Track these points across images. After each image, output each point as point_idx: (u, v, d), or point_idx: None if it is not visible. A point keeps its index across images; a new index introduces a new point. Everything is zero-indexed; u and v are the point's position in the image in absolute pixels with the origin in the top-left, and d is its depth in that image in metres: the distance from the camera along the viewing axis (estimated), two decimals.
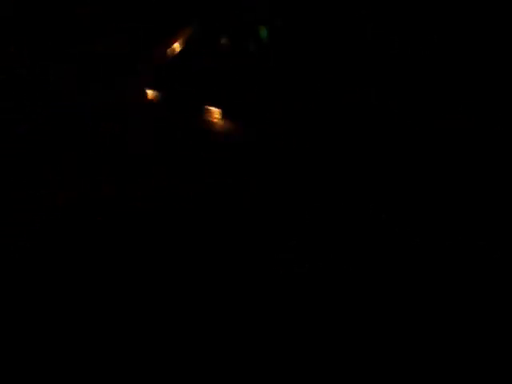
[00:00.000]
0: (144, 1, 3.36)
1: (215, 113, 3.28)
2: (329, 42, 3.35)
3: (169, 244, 3.06)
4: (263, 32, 2.97)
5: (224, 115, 3.28)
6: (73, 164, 3.27)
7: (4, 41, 3.32)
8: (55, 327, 2.84)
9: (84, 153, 3.28)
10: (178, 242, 3.07)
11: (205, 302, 2.92)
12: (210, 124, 3.28)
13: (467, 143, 3.19)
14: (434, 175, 3.15)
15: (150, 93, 3.23)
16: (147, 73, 3.28)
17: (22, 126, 3.29)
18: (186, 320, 2.87)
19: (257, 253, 3.03)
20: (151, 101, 3.25)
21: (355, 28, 3.33)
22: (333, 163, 3.19)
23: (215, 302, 2.92)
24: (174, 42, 3.26)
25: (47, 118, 3.30)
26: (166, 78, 3.27)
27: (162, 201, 3.16)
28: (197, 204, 3.15)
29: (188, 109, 3.29)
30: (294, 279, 2.95)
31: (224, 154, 3.23)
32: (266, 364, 2.68)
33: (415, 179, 3.14)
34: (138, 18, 3.36)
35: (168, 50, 3.23)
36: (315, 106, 3.30)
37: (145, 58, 3.28)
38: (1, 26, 3.30)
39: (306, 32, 3.37)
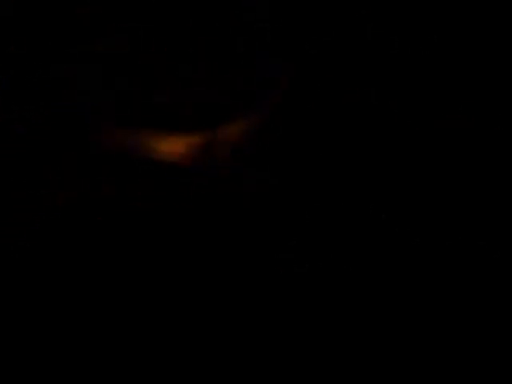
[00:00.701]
0: (144, 1, 3.36)
1: None
2: (328, 41, 3.36)
3: (168, 244, 3.06)
4: None
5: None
6: (73, 164, 3.27)
7: (4, 41, 3.32)
8: (55, 327, 2.85)
9: (84, 153, 3.28)
10: (178, 242, 3.07)
11: (204, 302, 2.93)
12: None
13: (467, 143, 3.19)
14: (434, 175, 3.15)
15: None
16: None
17: (22, 126, 3.29)
18: (185, 320, 2.87)
19: (256, 253, 3.03)
20: None
21: (355, 28, 3.34)
22: (332, 163, 3.19)
23: (214, 302, 2.92)
24: None
25: (47, 117, 3.30)
26: None
27: (162, 201, 3.17)
28: (196, 203, 3.15)
29: None
30: (294, 279, 2.95)
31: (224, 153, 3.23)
32: (266, 364, 2.69)
33: (415, 179, 3.14)
34: (138, 18, 3.36)
35: None
36: (314, 105, 3.31)
37: None
38: (1, 26, 3.31)
39: (305, 32, 3.37)
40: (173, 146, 3.26)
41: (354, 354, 2.72)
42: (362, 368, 2.69)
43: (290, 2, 3.36)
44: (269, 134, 3.27)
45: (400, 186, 3.14)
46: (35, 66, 3.31)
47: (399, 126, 3.24)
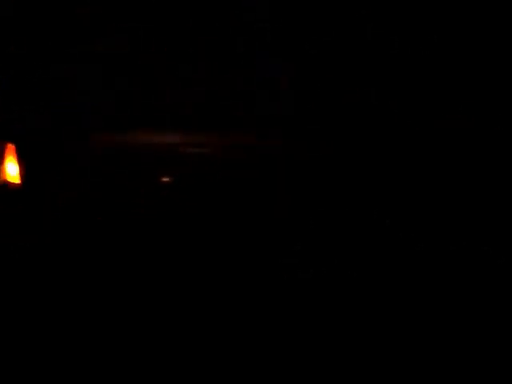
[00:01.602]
0: (144, 1, 3.35)
1: None
2: (329, 41, 3.35)
3: (171, 246, 3.06)
4: None
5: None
6: (73, 164, 3.26)
7: (4, 41, 3.31)
8: (56, 326, 2.83)
9: (84, 153, 3.28)
10: (179, 243, 3.06)
11: (209, 305, 2.92)
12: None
13: (467, 143, 3.19)
14: (437, 178, 3.15)
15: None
16: None
17: (22, 126, 3.28)
18: (187, 323, 2.86)
19: (261, 258, 3.02)
20: None
21: (355, 28, 3.33)
22: (335, 167, 3.19)
23: (220, 305, 2.91)
24: None
25: (47, 117, 3.30)
26: None
27: (163, 203, 3.16)
28: (200, 207, 3.14)
29: None
30: (298, 284, 2.95)
31: (227, 160, 3.22)
32: (270, 366, 2.68)
33: (418, 183, 3.14)
34: (138, 18, 3.35)
35: None
36: (315, 106, 3.30)
37: None
38: (1, 26, 3.30)
39: (305, 32, 3.36)
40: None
41: (356, 355, 2.71)
42: (362, 368, 2.68)
43: (290, 2, 3.36)
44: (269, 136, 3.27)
45: (403, 191, 3.14)
46: (35, 65, 3.30)
47: (399, 126, 3.24)
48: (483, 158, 3.18)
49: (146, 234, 3.11)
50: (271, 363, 2.68)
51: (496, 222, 3.06)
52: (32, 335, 2.80)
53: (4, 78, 3.29)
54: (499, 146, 3.18)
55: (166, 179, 3.26)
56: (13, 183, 3.20)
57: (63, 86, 3.32)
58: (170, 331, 2.83)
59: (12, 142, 3.21)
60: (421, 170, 3.18)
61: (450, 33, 3.33)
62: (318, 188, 3.17)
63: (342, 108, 3.29)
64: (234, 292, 2.97)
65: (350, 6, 3.34)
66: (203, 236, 3.10)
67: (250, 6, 3.35)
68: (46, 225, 3.12)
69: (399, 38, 3.34)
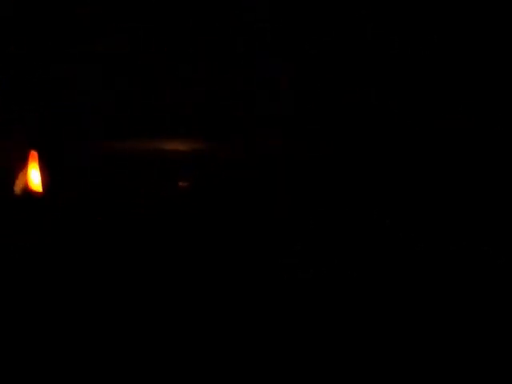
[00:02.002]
0: (144, 1, 3.35)
1: None
2: (329, 41, 3.35)
3: (171, 246, 3.06)
4: None
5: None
6: (73, 164, 3.27)
7: (4, 41, 3.32)
8: (56, 326, 2.84)
9: (84, 153, 3.28)
10: (180, 243, 3.07)
11: (209, 305, 2.93)
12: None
13: (467, 143, 3.19)
14: (437, 178, 3.15)
15: None
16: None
17: (22, 126, 3.29)
18: (187, 324, 2.87)
19: (261, 258, 3.03)
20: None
21: (355, 28, 3.33)
22: (335, 167, 3.19)
23: (219, 306, 2.92)
24: None
25: (47, 118, 3.30)
26: None
27: (164, 203, 3.17)
28: (201, 207, 3.15)
29: None
30: (298, 284, 2.96)
31: (226, 160, 3.23)
32: (270, 366, 2.69)
33: (418, 182, 3.14)
34: (138, 18, 3.36)
35: None
36: (315, 106, 3.30)
37: None
38: (1, 26, 3.30)
39: (305, 32, 3.37)
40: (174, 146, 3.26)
41: (356, 355, 2.72)
42: (362, 368, 2.69)
43: (290, 2, 3.36)
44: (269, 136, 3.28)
45: (403, 190, 3.14)
46: (35, 65, 3.30)
47: (399, 126, 3.24)
48: (483, 158, 3.18)
49: (147, 234, 3.12)
50: (271, 363, 2.69)
51: (496, 222, 3.06)
52: (32, 335, 2.81)
53: (4, 78, 3.30)
54: (499, 145, 3.19)
55: (165, 180, 3.26)
56: (35, 191, 3.22)
57: (63, 85, 3.32)
58: (171, 330, 2.84)
59: (35, 148, 3.23)
60: (421, 170, 3.18)
61: (450, 33, 3.33)
62: (318, 188, 3.17)
63: (342, 108, 3.29)
64: (233, 291, 2.98)
65: (350, 5, 3.34)
66: (202, 236, 3.11)
67: (250, 5, 3.35)
68: (68, 233, 3.13)
69: (399, 37, 3.34)
